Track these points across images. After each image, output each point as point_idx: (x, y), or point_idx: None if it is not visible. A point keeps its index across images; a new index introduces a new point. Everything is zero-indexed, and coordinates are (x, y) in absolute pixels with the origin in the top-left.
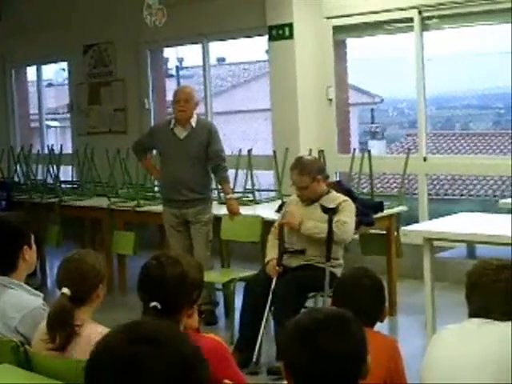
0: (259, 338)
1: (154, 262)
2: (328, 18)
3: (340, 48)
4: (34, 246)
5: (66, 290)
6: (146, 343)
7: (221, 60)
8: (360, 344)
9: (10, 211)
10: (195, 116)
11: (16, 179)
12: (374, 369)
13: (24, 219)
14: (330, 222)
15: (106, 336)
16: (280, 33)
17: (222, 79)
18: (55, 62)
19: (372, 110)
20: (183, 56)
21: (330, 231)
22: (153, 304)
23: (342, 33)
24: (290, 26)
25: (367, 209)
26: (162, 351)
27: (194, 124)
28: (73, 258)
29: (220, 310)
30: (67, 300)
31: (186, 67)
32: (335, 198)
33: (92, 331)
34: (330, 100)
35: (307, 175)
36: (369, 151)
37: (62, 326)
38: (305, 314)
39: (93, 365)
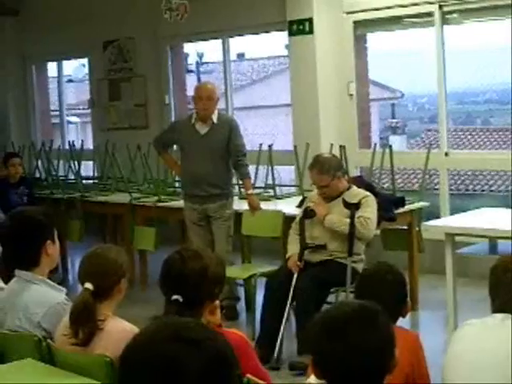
0: (280, 333)
1: (175, 256)
2: (348, 12)
3: (360, 43)
4: (57, 241)
5: (88, 285)
6: (182, 341)
7: (241, 55)
8: (388, 337)
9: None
10: (216, 112)
11: (37, 175)
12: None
13: (47, 214)
14: (352, 217)
15: (143, 332)
16: (300, 28)
17: (242, 74)
18: (75, 57)
19: (393, 105)
20: (203, 51)
21: (353, 226)
22: (175, 297)
23: (362, 28)
24: (310, 20)
25: (388, 204)
26: (198, 349)
27: (215, 120)
28: (95, 252)
29: (241, 306)
30: (90, 295)
31: (206, 63)
32: (357, 193)
33: (114, 326)
34: (351, 95)
35: (327, 173)
36: (390, 146)
37: (84, 321)
38: (333, 307)
39: (127, 361)
